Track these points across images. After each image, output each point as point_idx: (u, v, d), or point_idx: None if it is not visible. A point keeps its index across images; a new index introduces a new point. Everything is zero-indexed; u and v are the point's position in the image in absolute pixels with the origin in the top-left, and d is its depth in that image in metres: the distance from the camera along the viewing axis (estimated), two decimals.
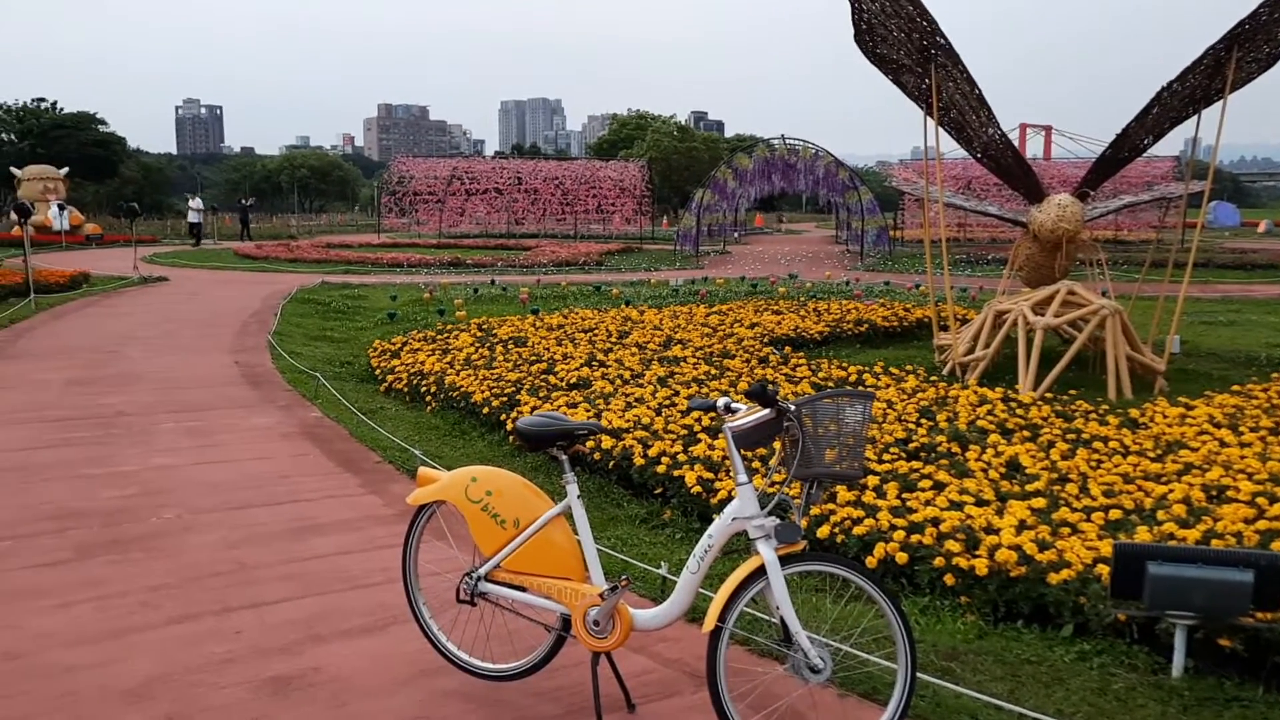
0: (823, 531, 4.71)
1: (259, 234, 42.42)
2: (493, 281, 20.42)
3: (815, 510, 4.74)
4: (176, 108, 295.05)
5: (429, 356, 9.53)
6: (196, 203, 35.95)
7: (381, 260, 27.22)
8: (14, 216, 18.62)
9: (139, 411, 8.20)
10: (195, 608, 4.30)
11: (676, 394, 7.50)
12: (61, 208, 34.54)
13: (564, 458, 3.37)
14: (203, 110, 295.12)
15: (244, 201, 45.04)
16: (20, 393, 8.90)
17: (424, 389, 8.69)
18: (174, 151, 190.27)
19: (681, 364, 8.92)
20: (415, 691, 3.57)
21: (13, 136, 61.69)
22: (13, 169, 39.63)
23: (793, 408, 2.97)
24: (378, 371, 9.82)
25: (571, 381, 8.21)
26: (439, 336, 10.95)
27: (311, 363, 10.48)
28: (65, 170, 39.77)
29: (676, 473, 5.66)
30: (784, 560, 2.97)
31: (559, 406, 7.18)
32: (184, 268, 25.52)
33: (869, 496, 5.00)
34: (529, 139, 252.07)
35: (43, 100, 64.23)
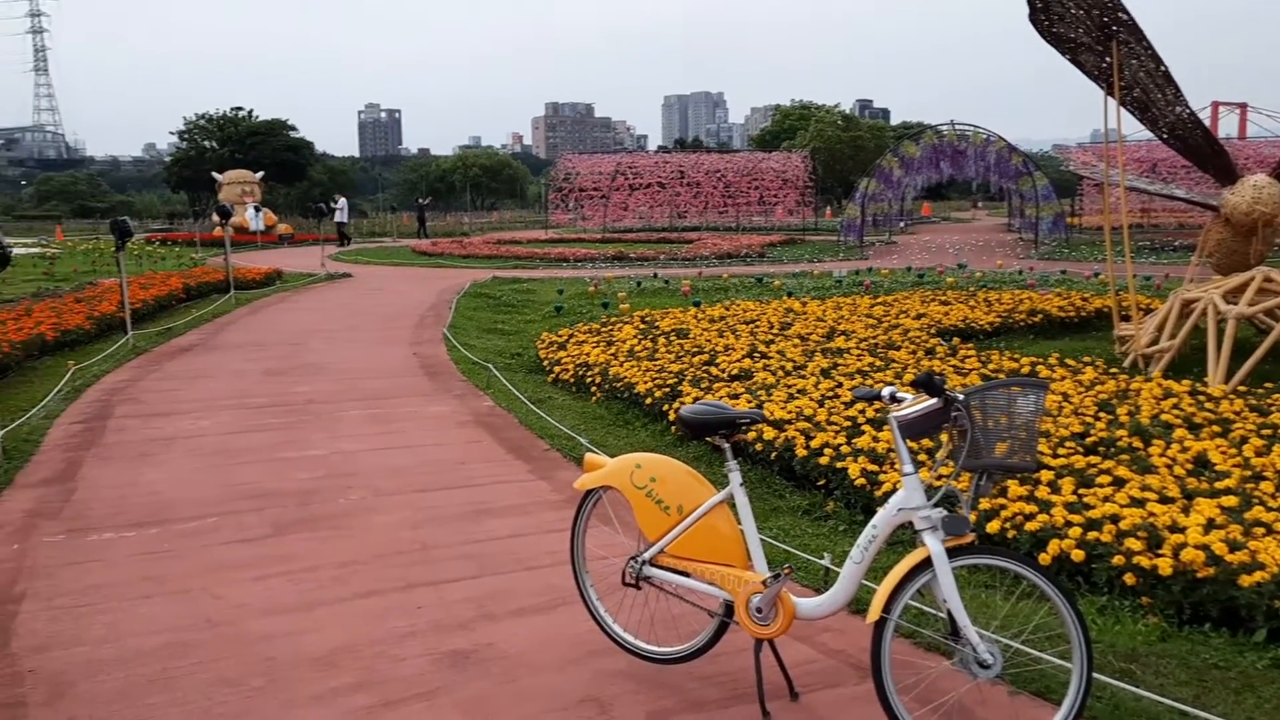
0: (992, 526, 4.58)
1: (434, 231, 44.17)
2: (655, 275, 20.63)
3: (984, 504, 4.61)
4: (359, 112, 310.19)
5: (594, 348, 9.73)
6: (342, 202, 37.79)
7: (549, 255, 27.91)
8: (216, 218, 20.04)
9: (327, 399, 8.72)
10: (380, 584, 4.56)
11: (840, 385, 7.42)
12: (257, 209, 36.95)
13: (726, 446, 3.41)
14: (383, 114, 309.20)
15: (421, 201, 47.01)
16: (223, 381, 9.61)
17: (589, 380, 8.89)
18: (357, 154, 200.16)
19: (845, 355, 8.80)
20: (583, 670, 3.68)
21: (214, 144, 66.32)
22: (215, 174, 42.70)
23: (961, 397, 2.91)
24: (545, 363, 10.10)
25: (733, 373, 8.23)
26: (603, 329, 11.17)
27: (484, 354, 10.88)
28: (260, 174, 42.56)
29: (840, 465, 5.61)
30: (951, 553, 2.92)
31: (720, 397, 7.22)
32: (366, 264, 26.89)
33: (1042, 491, 4.83)
34: (691, 133, 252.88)
35: (240, 109, 68.79)
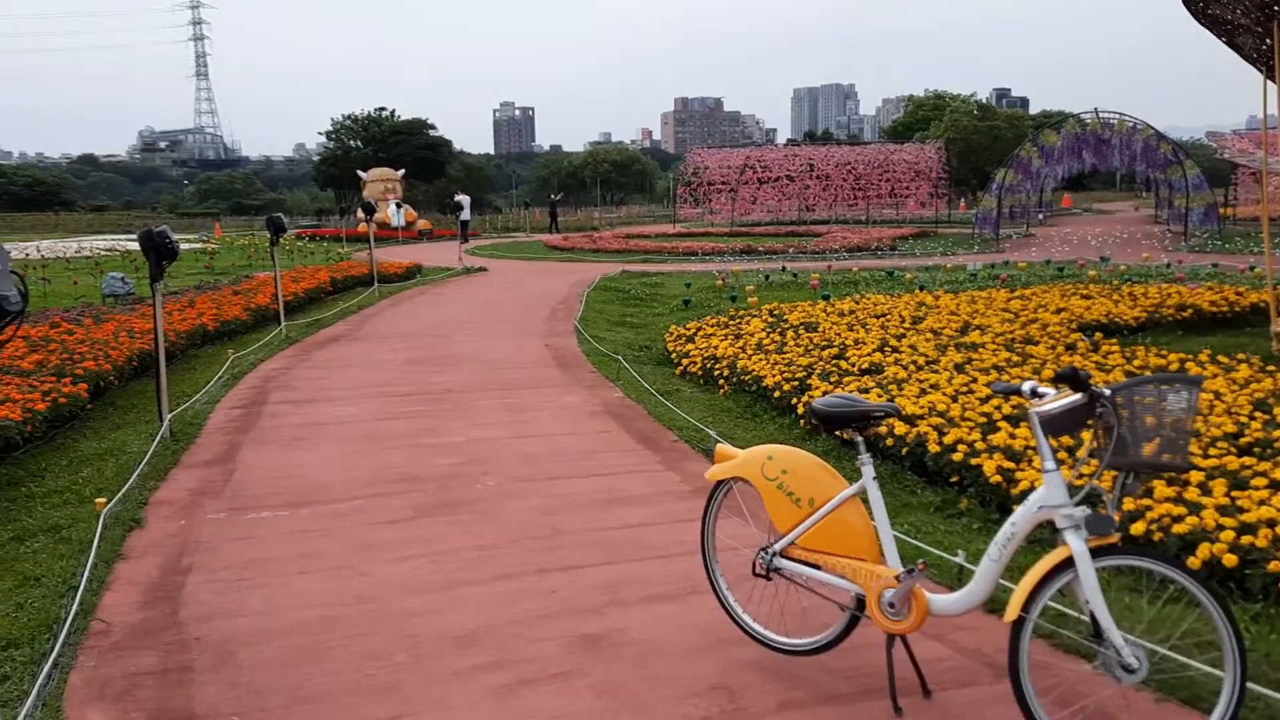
0: (1137, 528, 4.42)
1: (565, 226, 44.87)
2: (783, 268, 20.49)
3: (1128, 504, 4.45)
4: (494, 110, 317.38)
5: (722, 341, 9.76)
6: (464, 199, 38.71)
7: (677, 249, 28.04)
8: (360, 214, 20.89)
9: (464, 389, 9.01)
10: (515, 567, 4.71)
11: (974, 381, 7.24)
12: (398, 206, 38.21)
13: (860, 439, 3.40)
14: (516, 112, 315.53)
15: (553, 197, 47.86)
16: (368, 370, 10.03)
17: (717, 372, 8.92)
18: (491, 151, 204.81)
19: (980, 350, 8.59)
20: (713, 659, 3.73)
21: (359, 143, 68.96)
22: (359, 172, 44.45)
23: (1107, 393, 2.83)
24: (673, 355, 10.18)
25: (863, 367, 8.14)
26: (731, 322, 11.17)
27: (613, 346, 11.03)
28: (402, 171, 44.08)
29: (974, 461, 5.49)
30: (1095, 553, 2.85)
31: (850, 391, 7.14)
32: (501, 259, 27.56)
33: (1191, 493, 4.63)
34: (821, 125, 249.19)
35: (384, 109, 71.35)
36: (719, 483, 3.81)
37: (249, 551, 4.93)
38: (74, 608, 4.12)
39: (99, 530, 4.95)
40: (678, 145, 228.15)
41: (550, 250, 30.30)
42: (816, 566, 3.44)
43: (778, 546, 3.54)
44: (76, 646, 3.86)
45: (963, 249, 26.70)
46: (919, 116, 76.67)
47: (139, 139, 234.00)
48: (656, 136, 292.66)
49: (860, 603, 3.36)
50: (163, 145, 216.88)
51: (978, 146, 65.18)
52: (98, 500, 5.29)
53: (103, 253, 31.16)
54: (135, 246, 32.32)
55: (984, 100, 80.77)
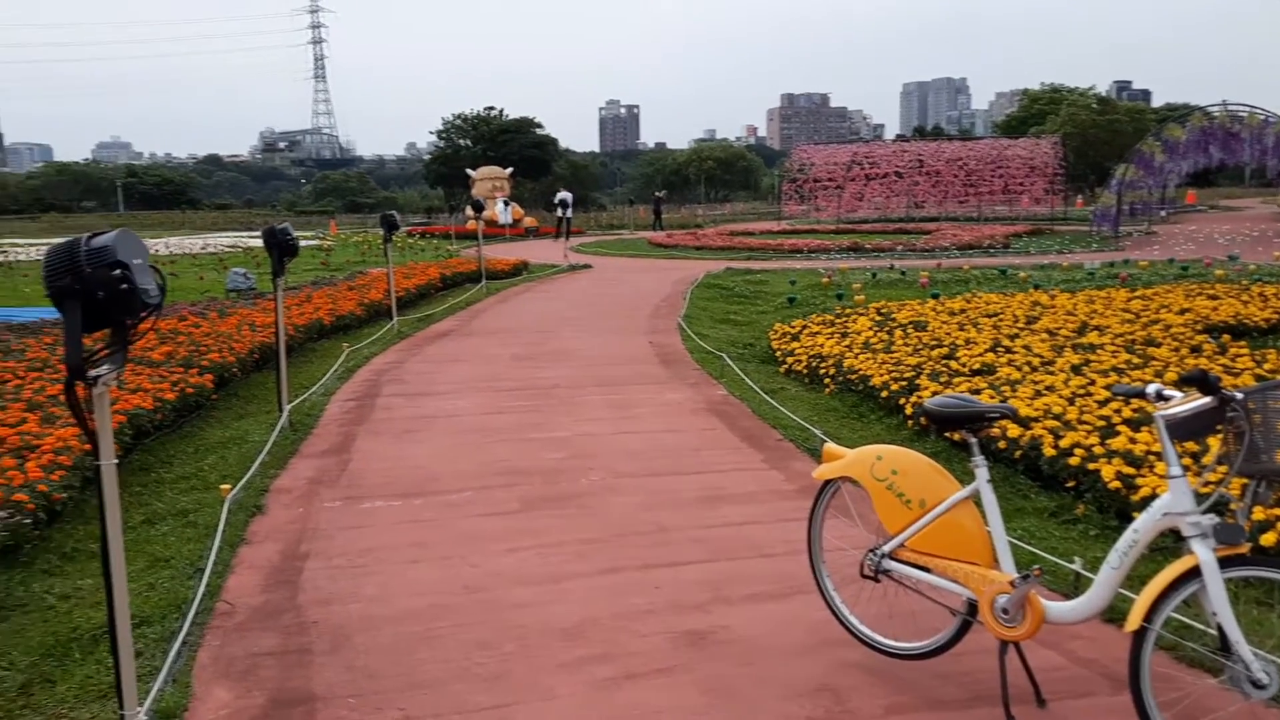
0: (1267, 539, 4.21)
1: (669, 224, 44.94)
2: (891, 266, 20.14)
3: (1259, 513, 4.25)
4: (599, 109, 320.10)
5: (827, 340, 9.65)
6: (566, 195, 39.00)
7: (781, 246, 27.83)
8: (469, 212, 21.32)
9: (569, 384, 9.11)
10: (620, 562, 4.75)
11: (1092, 383, 7.01)
12: (506, 203, 38.91)
13: (974, 440, 3.33)
14: (622, 110, 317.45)
15: (657, 194, 47.98)
16: (477, 365, 10.24)
17: (822, 371, 8.82)
18: (596, 149, 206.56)
19: (1098, 352, 8.30)
20: (818, 659, 3.70)
21: (468, 142, 70.37)
22: (468, 170, 45.35)
23: (1239, 396, 2.71)
24: (778, 353, 10.11)
25: (974, 367, 7.94)
26: (837, 320, 11.04)
27: (717, 344, 11.01)
28: (510, 170, 44.80)
29: (1092, 466, 5.31)
30: (1223, 563, 2.73)
31: (961, 392, 6.98)
32: (605, 256, 27.78)
33: None
34: (930, 120, 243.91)
35: (493, 109, 72.67)
36: (826, 482, 3.77)
37: (363, 539, 5.09)
38: (201, 589, 4.32)
39: (223, 515, 5.17)
40: (783, 142, 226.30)
41: (654, 247, 30.40)
42: (926, 569, 3.38)
43: (886, 548, 3.49)
44: (203, 626, 4.05)
45: (1080, 247, 25.83)
46: (1034, 111, 74.36)
47: (260, 140, 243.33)
48: (761, 133, 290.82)
49: (972, 608, 3.29)
50: (282, 146, 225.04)
51: (1096, 141, 62.91)
52: (222, 486, 5.53)
53: (226, 249, 32.51)
54: (256, 243, 33.64)
55: (1104, 93, 77.81)
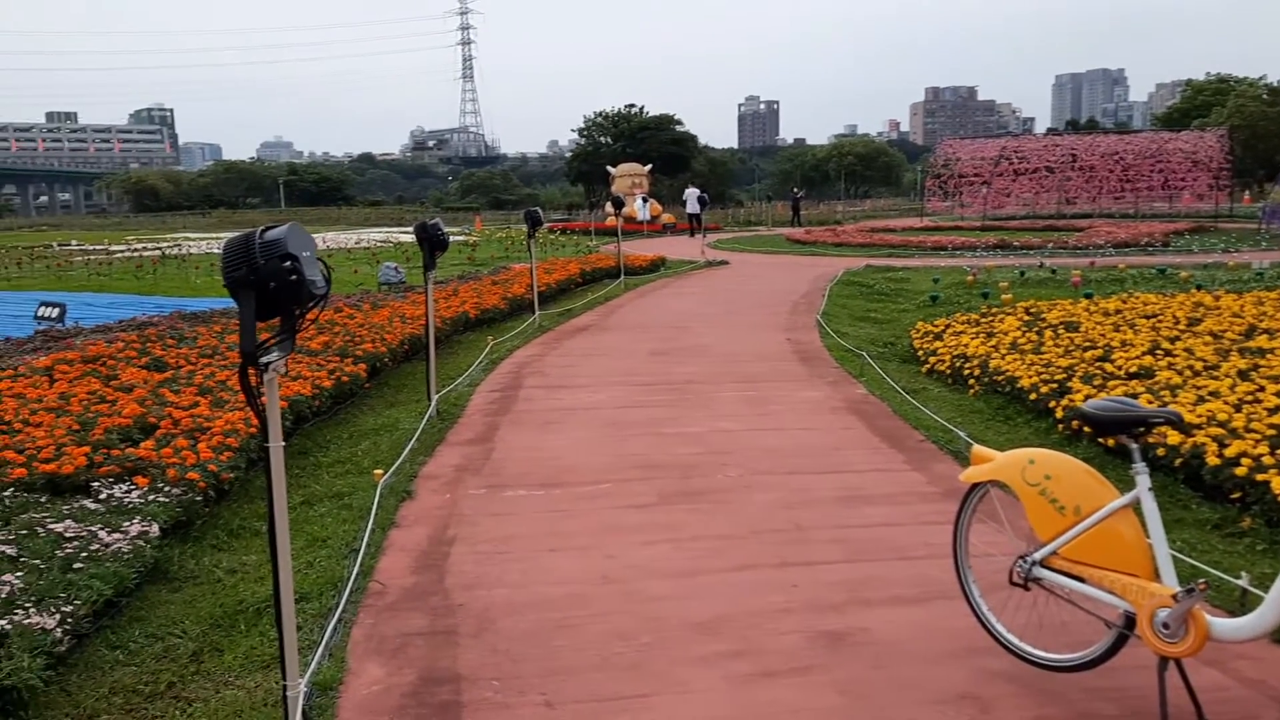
0: None
1: (808, 220, 44.47)
2: (1041, 264, 19.40)
3: None
4: (739, 105, 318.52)
5: (972, 339, 9.37)
6: (694, 192, 38.97)
7: (924, 244, 27.17)
8: (609, 208, 21.57)
9: (706, 380, 9.12)
10: (756, 559, 4.74)
11: (1261, 389, 6.59)
12: (644, 200, 39.19)
13: (1134, 446, 3.18)
14: (761, 106, 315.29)
15: (795, 191, 47.54)
16: (614, 360, 10.37)
17: (967, 371, 8.58)
18: (735, 145, 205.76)
19: (1269, 356, 7.80)
20: (961, 666, 3.61)
21: (609, 139, 71.15)
22: (608, 167, 45.93)
23: None
24: (920, 353, 9.88)
25: (1131, 370, 7.58)
26: (983, 319, 10.71)
27: (856, 342, 10.84)
28: (649, 167, 45.15)
29: (1260, 477, 5.00)
30: None
31: (1118, 396, 6.67)
32: (742, 252, 27.69)
33: None
34: (1084, 113, 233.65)
35: (633, 106, 73.21)
36: (974, 486, 3.68)
37: (506, 527, 5.22)
38: (355, 569, 4.52)
39: (376, 499, 5.40)
40: (927, 136, 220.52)
41: (792, 244, 30.12)
42: (1080, 579, 3.25)
43: (1038, 555, 3.38)
44: (357, 604, 4.23)
45: (1247, 245, 24.32)
46: (1198, 102, 70.25)
47: (411, 139, 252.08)
48: (904, 128, 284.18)
49: (1130, 621, 3.15)
50: (431, 144, 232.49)
51: (1267, 134, 58.94)
52: (375, 471, 5.77)
53: (378, 244, 33.81)
54: (406, 238, 34.82)
55: (1276, 84, 72.94)
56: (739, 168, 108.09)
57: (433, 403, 7.60)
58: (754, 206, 62.00)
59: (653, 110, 73.15)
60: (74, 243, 40.65)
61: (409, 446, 6.60)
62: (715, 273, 21.41)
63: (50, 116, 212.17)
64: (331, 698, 3.44)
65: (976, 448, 3.74)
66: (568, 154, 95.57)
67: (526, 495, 5.78)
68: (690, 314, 14.15)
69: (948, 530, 3.92)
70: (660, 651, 3.79)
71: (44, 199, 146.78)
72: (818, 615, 4.09)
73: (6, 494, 4.92)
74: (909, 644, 3.80)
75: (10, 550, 4.17)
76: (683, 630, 3.97)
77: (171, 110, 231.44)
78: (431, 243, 7.04)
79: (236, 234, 2.75)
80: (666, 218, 41.14)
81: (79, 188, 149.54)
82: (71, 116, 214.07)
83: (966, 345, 9.14)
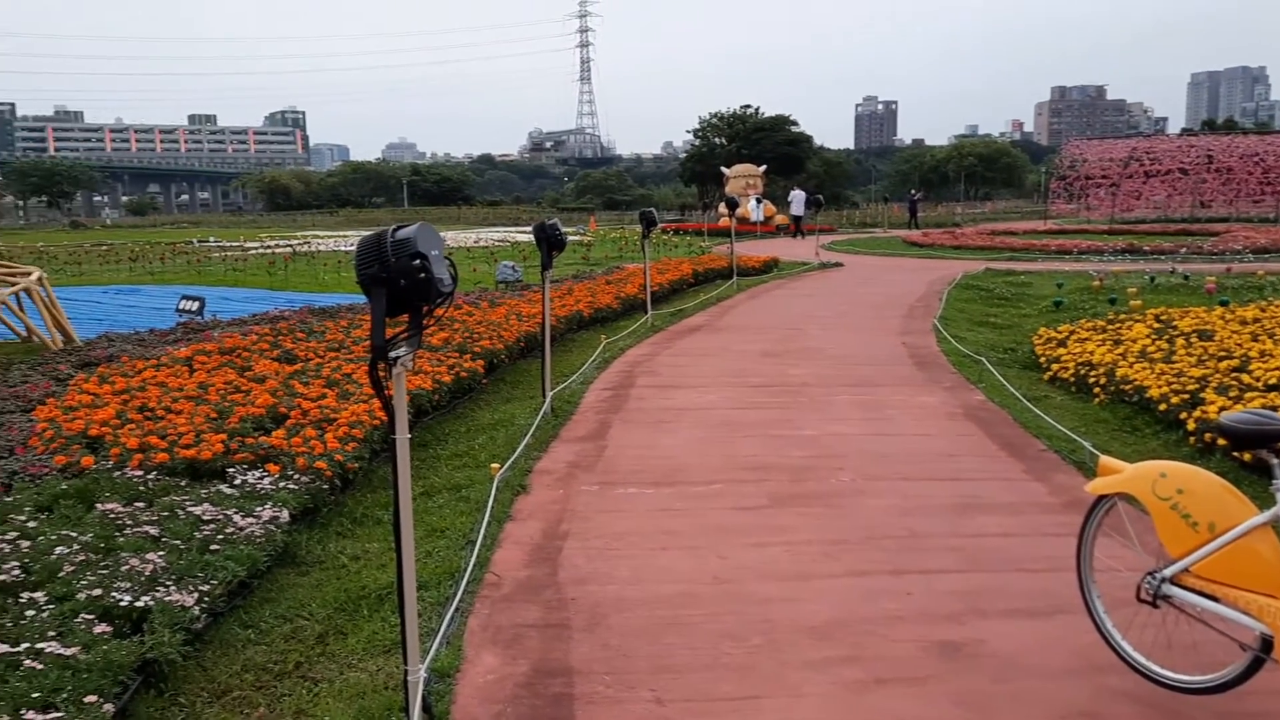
0: None
1: (925, 222, 43.59)
2: (1172, 270, 18.55)
3: None
4: (856, 105, 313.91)
5: (1098, 346, 9.05)
6: (799, 194, 38.48)
7: (1048, 247, 26.39)
8: (722, 209, 21.55)
9: (818, 383, 9.04)
10: (869, 565, 4.68)
11: None
12: (758, 201, 39.01)
13: (1275, 462, 3.04)
14: (879, 106, 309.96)
15: (913, 193, 46.66)
16: (726, 360, 10.36)
17: (1091, 380, 8.29)
18: (851, 146, 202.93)
19: None
20: (1083, 684, 3.50)
21: (723, 140, 71.01)
22: (722, 168, 45.88)
23: None
24: (1042, 359, 9.59)
25: (1270, 382, 7.20)
26: (1110, 326, 10.33)
27: (975, 347, 10.59)
28: (763, 168, 44.93)
29: None
30: None
31: (1257, 408, 6.36)
32: (857, 254, 27.33)
33: None
34: (1222, 113, 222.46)
35: (748, 107, 72.89)
36: (1100, 498, 3.56)
37: (617, 524, 5.28)
38: (472, 560, 4.64)
39: (492, 493, 5.52)
40: (1052, 137, 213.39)
41: (908, 246, 29.58)
42: (1214, 598, 3.12)
43: (1168, 572, 3.25)
44: (473, 595, 4.34)
45: None
46: None
47: (529, 140, 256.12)
48: (1028, 128, 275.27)
49: (1266, 644, 3.01)
50: (548, 145, 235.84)
51: None
52: (492, 465, 5.90)
53: (496, 243, 34.51)
54: (523, 238, 35.43)
55: None
56: (854, 169, 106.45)
57: (547, 399, 7.73)
58: (870, 208, 61.05)
59: (768, 111, 72.73)
60: (212, 239, 42.68)
61: (524, 442, 6.73)
62: (829, 274, 21.18)
63: (192, 119, 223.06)
64: (449, 684, 3.55)
65: (1103, 459, 3.63)
66: (682, 155, 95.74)
67: (638, 493, 5.83)
68: (803, 316, 14.03)
69: (1069, 543, 3.81)
70: (771, 654, 3.78)
71: (185, 197, 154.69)
72: (933, 624, 4.02)
73: (150, 477, 5.21)
74: (1028, 658, 3.70)
75: (153, 530, 4.42)
76: (794, 634, 3.95)
77: (303, 112, 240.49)
78: (549, 242, 7.16)
79: (370, 233, 2.86)
80: (781, 219, 40.84)
81: (217, 187, 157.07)
82: (211, 119, 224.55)
83: (1092, 352, 8.84)
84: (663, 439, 7.08)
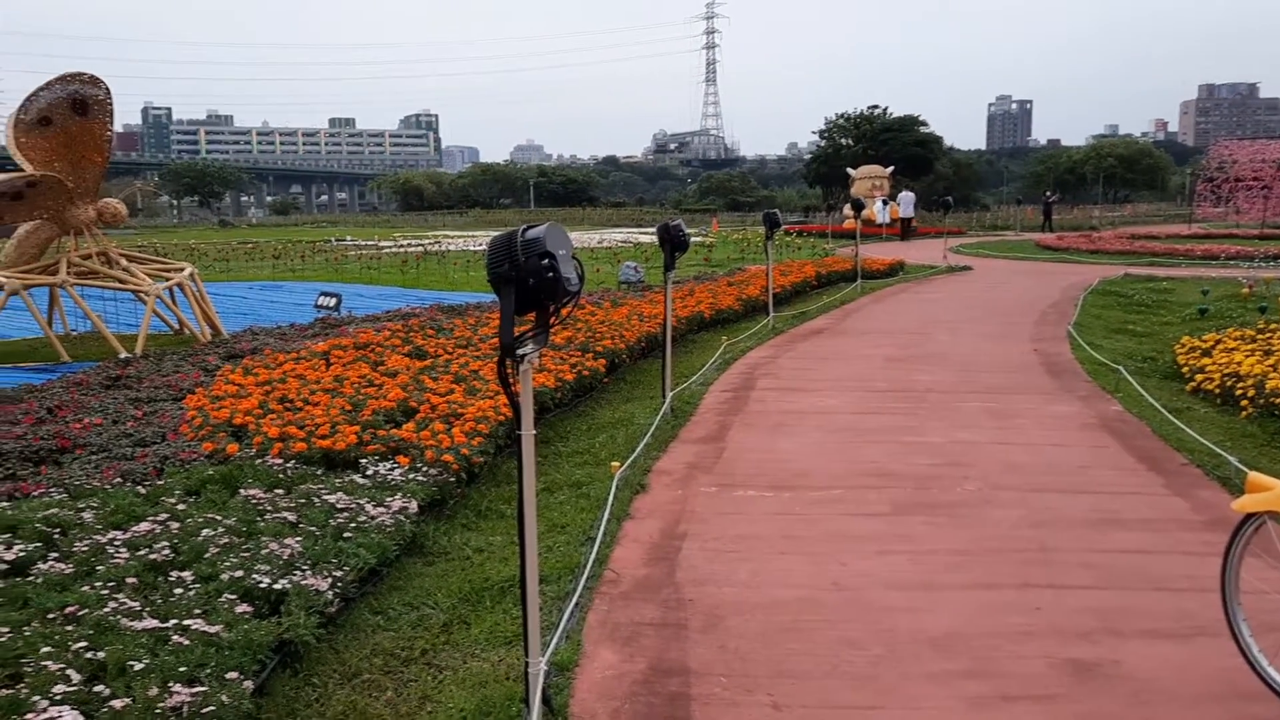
0: None
1: (1060, 225, 42.07)
2: None
3: None
4: (988, 105, 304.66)
5: (1247, 357, 8.56)
6: (908, 195, 37.36)
7: (1192, 252, 25.13)
8: (847, 210, 21.26)
9: (945, 389, 8.83)
10: (995, 577, 4.55)
11: None
12: (885, 203, 38.28)
13: None
14: (1013, 105, 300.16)
15: (1048, 195, 45.17)
16: (849, 364, 10.21)
17: (1239, 392, 7.85)
18: (983, 147, 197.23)
19: None
20: (1225, 711, 3.33)
21: (849, 140, 69.93)
22: (848, 170, 45.21)
23: None
24: (1184, 369, 9.13)
25: None
26: (1260, 336, 9.76)
27: (1111, 355, 10.16)
28: (890, 169, 44.08)
29: None
30: None
31: None
32: (987, 258, 26.57)
33: None
34: None
35: (875, 107, 71.55)
36: (1247, 516, 3.38)
37: (736, 526, 5.27)
38: (591, 556, 4.70)
39: (612, 491, 5.58)
40: (1198, 137, 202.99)
41: (1041, 250, 28.59)
42: None
43: None
44: (592, 591, 4.40)
45: None
46: None
47: (653, 141, 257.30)
48: (1172, 128, 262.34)
49: None
50: (673, 147, 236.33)
51: None
52: (612, 464, 5.96)
53: (619, 244, 34.80)
54: (645, 239, 35.59)
55: None
56: (986, 170, 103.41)
57: (667, 400, 7.76)
58: (1001, 210, 59.24)
59: (896, 111, 71.26)
60: (348, 238, 44.34)
61: (644, 441, 6.77)
62: (957, 278, 20.64)
63: (332, 122, 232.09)
64: (568, 678, 3.60)
65: (1252, 475, 3.44)
66: (806, 156, 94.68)
67: (757, 496, 5.80)
68: (930, 320, 13.72)
69: (1212, 562, 3.64)
70: (892, 664, 3.71)
71: (324, 197, 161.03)
72: (1063, 642, 3.88)
73: (289, 465, 5.45)
74: (1166, 681, 3.54)
75: (291, 517, 4.62)
76: (916, 644, 3.87)
77: (436, 115, 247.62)
78: (673, 243, 7.19)
79: (501, 233, 2.92)
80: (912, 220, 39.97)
81: (354, 188, 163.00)
82: (350, 122, 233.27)
83: (1240, 363, 8.38)
84: (783, 442, 7.03)
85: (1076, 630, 3.97)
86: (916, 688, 3.53)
